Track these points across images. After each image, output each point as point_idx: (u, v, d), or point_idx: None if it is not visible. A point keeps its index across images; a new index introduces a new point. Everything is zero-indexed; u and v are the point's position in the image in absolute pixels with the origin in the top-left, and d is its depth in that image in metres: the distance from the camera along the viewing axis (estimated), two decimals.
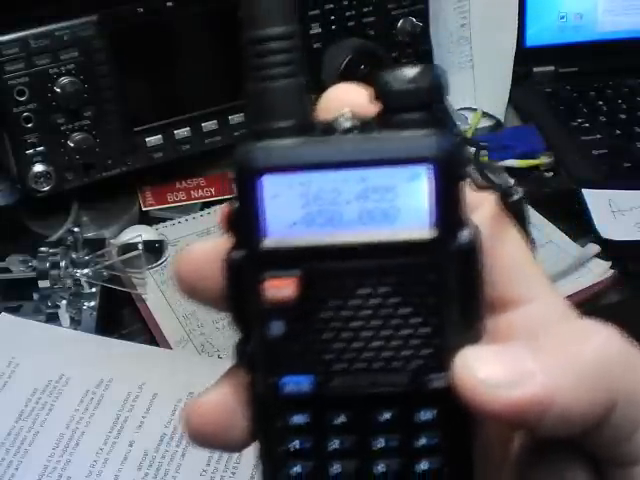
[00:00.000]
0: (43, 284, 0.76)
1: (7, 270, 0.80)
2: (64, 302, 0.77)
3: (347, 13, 0.95)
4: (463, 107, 1.05)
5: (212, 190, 0.95)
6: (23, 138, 0.83)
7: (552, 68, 1.10)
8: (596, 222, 0.86)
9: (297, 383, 0.27)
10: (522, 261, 0.29)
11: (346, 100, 0.28)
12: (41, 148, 0.84)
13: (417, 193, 0.26)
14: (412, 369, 0.27)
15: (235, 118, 0.92)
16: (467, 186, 0.27)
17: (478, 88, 1.06)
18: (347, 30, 0.94)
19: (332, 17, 0.94)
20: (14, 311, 0.78)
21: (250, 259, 0.27)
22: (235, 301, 0.27)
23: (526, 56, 1.07)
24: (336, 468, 0.27)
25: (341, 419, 0.27)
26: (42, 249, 0.78)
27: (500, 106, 1.05)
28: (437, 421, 0.27)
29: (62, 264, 0.77)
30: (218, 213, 0.28)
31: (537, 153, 0.97)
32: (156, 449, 0.64)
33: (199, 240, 0.29)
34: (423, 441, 0.27)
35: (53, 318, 0.77)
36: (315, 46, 0.93)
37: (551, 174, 0.96)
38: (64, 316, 0.76)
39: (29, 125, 0.83)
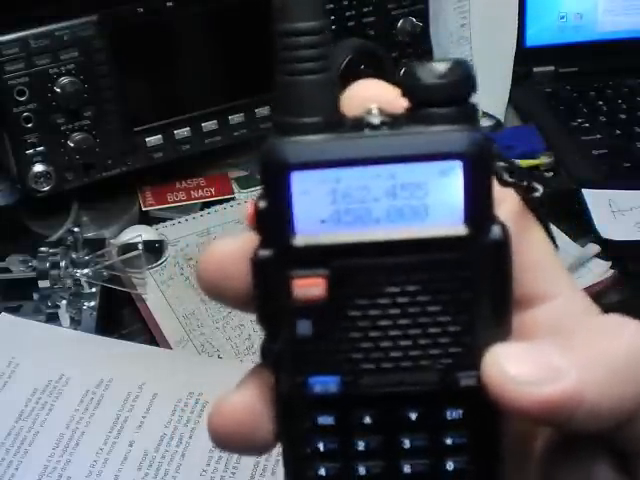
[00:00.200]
0: (43, 284, 0.76)
1: (7, 270, 0.80)
2: (64, 302, 0.77)
3: (347, 13, 0.95)
4: None
5: (212, 190, 0.94)
6: (23, 138, 0.83)
7: (552, 68, 1.10)
8: (596, 222, 0.86)
9: (324, 383, 0.27)
10: (546, 257, 0.29)
11: (369, 96, 0.28)
12: (41, 148, 0.84)
13: (449, 189, 0.26)
14: (441, 367, 0.27)
15: (235, 118, 0.92)
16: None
17: (478, 88, 1.06)
18: (347, 30, 0.94)
19: (332, 17, 0.94)
20: (14, 311, 0.77)
21: (278, 257, 0.26)
22: (262, 300, 0.27)
23: (526, 56, 1.07)
24: (363, 469, 0.27)
25: (368, 419, 0.27)
26: (42, 249, 0.78)
27: (500, 106, 1.05)
28: (465, 420, 0.27)
29: (62, 264, 0.77)
30: (244, 210, 0.27)
31: (537, 153, 0.97)
32: (156, 449, 0.64)
33: (222, 238, 0.28)
34: (451, 440, 0.27)
35: (53, 318, 0.77)
36: None
37: (551, 174, 0.96)
38: (64, 316, 0.76)
39: (29, 125, 0.83)
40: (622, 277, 0.82)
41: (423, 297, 0.26)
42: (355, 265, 0.26)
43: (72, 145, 0.85)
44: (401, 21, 0.97)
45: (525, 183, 0.28)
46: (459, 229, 0.26)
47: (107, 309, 0.79)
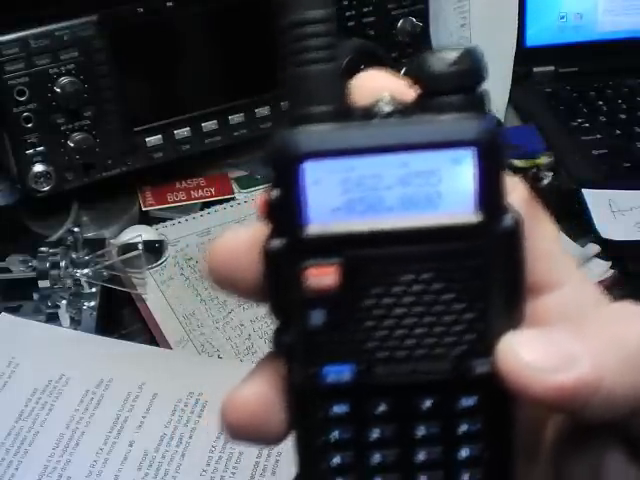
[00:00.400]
0: (43, 284, 0.76)
1: (7, 270, 0.80)
2: (64, 302, 0.77)
3: (347, 13, 0.95)
4: None
5: (212, 190, 0.94)
6: (23, 138, 0.83)
7: (552, 68, 1.10)
8: (596, 222, 0.86)
9: (338, 372, 0.27)
10: (555, 246, 0.29)
11: (376, 86, 0.28)
12: (41, 148, 0.84)
13: (462, 177, 0.26)
14: (455, 355, 0.27)
15: (235, 118, 0.92)
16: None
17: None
18: (347, 30, 0.94)
19: None
20: (14, 311, 0.77)
21: (291, 247, 0.26)
22: (274, 290, 0.27)
23: (526, 56, 1.07)
24: (376, 457, 0.27)
25: (382, 408, 0.27)
26: (42, 249, 0.78)
27: (500, 106, 1.05)
28: (479, 407, 0.27)
29: (62, 264, 0.77)
30: (256, 201, 0.27)
31: (537, 153, 0.97)
32: (156, 449, 0.64)
33: (230, 229, 0.28)
34: (465, 428, 0.27)
35: (53, 318, 0.77)
36: None
37: (551, 174, 0.96)
38: (64, 316, 0.76)
39: (29, 125, 0.83)
40: (622, 277, 0.82)
41: (436, 285, 0.26)
42: (368, 254, 0.26)
43: (72, 145, 0.85)
44: (401, 21, 0.97)
45: (532, 172, 0.29)
46: (472, 217, 0.26)
47: (107, 309, 0.79)
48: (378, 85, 0.28)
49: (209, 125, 0.91)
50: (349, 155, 0.26)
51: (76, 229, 0.82)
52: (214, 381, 0.69)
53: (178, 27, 0.89)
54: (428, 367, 0.27)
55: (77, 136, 0.85)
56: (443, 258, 0.26)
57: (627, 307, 0.27)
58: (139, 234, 0.84)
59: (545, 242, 0.29)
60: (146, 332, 0.78)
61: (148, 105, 0.90)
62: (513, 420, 0.27)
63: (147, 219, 0.92)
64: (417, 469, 0.27)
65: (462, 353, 0.27)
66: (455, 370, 0.27)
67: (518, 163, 0.95)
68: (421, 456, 0.27)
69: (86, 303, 0.77)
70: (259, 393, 0.28)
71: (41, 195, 0.86)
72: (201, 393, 0.68)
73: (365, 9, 0.95)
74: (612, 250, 0.84)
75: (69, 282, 0.77)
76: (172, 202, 0.93)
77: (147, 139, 0.89)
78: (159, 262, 0.84)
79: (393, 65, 0.94)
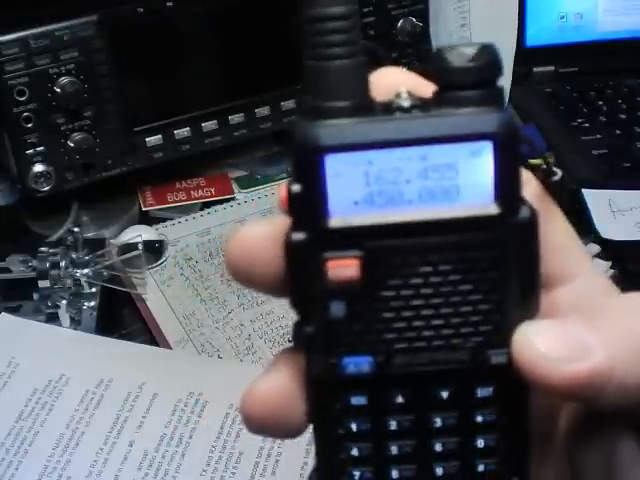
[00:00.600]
0: (43, 284, 0.76)
1: (7, 270, 0.80)
2: (64, 302, 0.77)
3: None
4: None
5: (212, 190, 0.94)
6: (23, 138, 0.83)
7: (552, 68, 1.10)
8: (596, 222, 0.86)
9: (358, 363, 0.27)
10: (567, 239, 0.30)
11: (393, 83, 0.28)
12: (41, 148, 0.84)
13: (480, 169, 0.26)
14: (472, 346, 0.27)
15: (235, 118, 0.92)
16: None
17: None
18: None
19: None
20: (14, 311, 0.77)
21: (313, 240, 0.27)
22: (296, 283, 0.27)
23: (526, 56, 1.07)
24: (395, 448, 0.28)
25: (400, 399, 0.27)
26: (42, 249, 0.78)
27: None
28: (495, 398, 0.27)
29: (62, 264, 0.77)
30: (276, 194, 0.27)
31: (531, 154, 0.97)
32: (156, 449, 0.64)
33: (250, 224, 0.28)
34: (481, 418, 0.27)
35: (53, 318, 0.77)
36: None
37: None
38: (64, 316, 0.76)
39: (29, 125, 0.83)
40: (622, 277, 0.82)
41: (455, 276, 0.27)
42: (388, 246, 0.27)
43: (72, 145, 0.85)
44: (401, 21, 0.97)
45: (545, 167, 0.29)
46: (490, 208, 0.26)
47: (107, 309, 0.79)
48: (395, 81, 0.28)
49: (209, 125, 0.91)
50: (370, 148, 0.26)
51: (76, 229, 0.82)
52: (214, 381, 0.69)
53: (178, 27, 0.89)
54: (446, 357, 0.27)
55: (77, 136, 0.85)
56: (461, 249, 0.27)
57: (638, 298, 0.27)
58: (139, 234, 0.84)
59: (558, 236, 0.29)
60: (146, 332, 0.78)
61: (148, 105, 0.90)
62: (529, 410, 0.28)
63: (147, 219, 0.92)
64: (434, 459, 0.28)
65: (479, 343, 0.27)
66: (472, 360, 0.27)
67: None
68: (438, 446, 0.28)
69: (86, 303, 0.77)
70: (278, 386, 0.28)
71: (41, 195, 0.86)
72: (201, 393, 0.68)
73: (365, 9, 0.95)
74: (612, 250, 0.84)
75: (69, 282, 0.77)
76: (172, 202, 0.93)
77: (147, 139, 0.89)
78: (159, 262, 0.84)
79: (393, 65, 0.94)
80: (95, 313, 0.77)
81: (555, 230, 0.29)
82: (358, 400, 0.27)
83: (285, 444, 0.63)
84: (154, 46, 0.88)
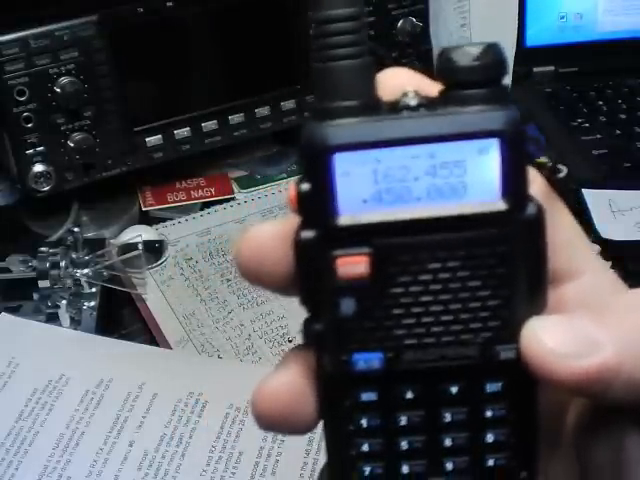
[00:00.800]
0: (43, 284, 0.76)
1: (7, 270, 0.80)
2: (64, 302, 0.77)
3: None
4: None
5: (212, 190, 0.95)
6: (23, 138, 0.83)
7: (552, 68, 1.10)
8: (596, 222, 0.86)
9: (368, 360, 0.27)
10: (573, 235, 0.30)
11: (399, 83, 0.28)
12: (41, 148, 0.84)
13: (487, 166, 0.27)
14: (481, 341, 0.27)
15: (235, 118, 0.92)
16: None
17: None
18: None
19: None
20: (14, 311, 0.78)
21: (322, 237, 0.27)
22: (306, 280, 0.28)
23: (526, 56, 1.07)
24: (405, 444, 0.28)
25: (410, 394, 0.28)
26: (42, 249, 0.78)
27: None
28: (505, 393, 0.28)
29: (62, 264, 0.77)
30: (286, 193, 0.28)
31: (537, 153, 0.97)
32: (156, 449, 0.64)
33: (258, 223, 0.29)
34: (490, 413, 0.28)
35: (53, 318, 0.77)
36: None
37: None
38: (64, 316, 0.76)
39: (29, 125, 0.83)
40: (622, 277, 0.82)
41: (463, 272, 0.27)
42: (397, 243, 0.27)
43: (72, 145, 0.85)
44: (401, 21, 0.97)
45: (550, 164, 0.29)
46: (497, 205, 0.27)
47: (107, 309, 0.79)
48: (401, 81, 0.29)
49: (209, 125, 0.91)
50: (377, 147, 0.27)
51: (76, 229, 0.82)
52: (214, 381, 0.69)
53: (178, 27, 0.89)
54: (455, 353, 0.27)
55: (77, 136, 0.85)
56: (469, 246, 0.27)
57: None
58: (139, 234, 0.84)
59: (564, 232, 0.29)
60: (146, 332, 0.78)
61: (148, 105, 0.90)
62: (537, 405, 0.28)
63: (147, 219, 0.92)
64: (443, 454, 0.28)
65: (488, 339, 0.27)
66: (481, 356, 0.27)
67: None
68: (447, 442, 0.28)
69: (86, 303, 0.77)
70: (288, 383, 0.29)
71: (41, 195, 0.86)
72: (201, 393, 0.68)
73: (365, 9, 0.95)
74: (612, 250, 0.84)
75: (69, 282, 0.77)
76: (172, 202, 0.93)
77: (147, 139, 0.89)
78: (159, 262, 0.84)
79: (393, 65, 0.94)
80: (95, 313, 0.77)
81: (562, 226, 0.29)
82: (368, 396, 0.28)
83: (285, 444, 0.63)
84: (154, 46, 0.88)
